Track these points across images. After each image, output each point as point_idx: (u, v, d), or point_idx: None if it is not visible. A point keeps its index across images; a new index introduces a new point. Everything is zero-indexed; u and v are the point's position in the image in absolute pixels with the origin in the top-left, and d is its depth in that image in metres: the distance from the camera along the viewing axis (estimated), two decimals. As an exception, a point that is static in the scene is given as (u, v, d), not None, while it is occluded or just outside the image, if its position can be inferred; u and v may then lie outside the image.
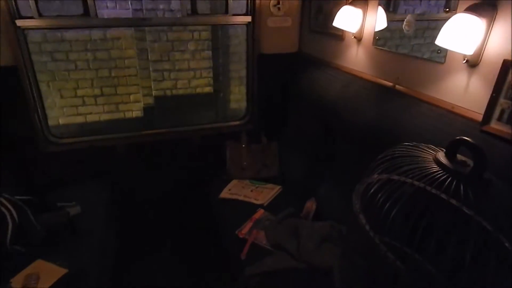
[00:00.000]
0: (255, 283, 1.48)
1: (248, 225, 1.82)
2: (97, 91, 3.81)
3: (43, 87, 3.48)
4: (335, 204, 1.82)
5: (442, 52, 1.33)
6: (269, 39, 2.37)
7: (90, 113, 3.85)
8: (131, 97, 3.92)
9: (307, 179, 2.12)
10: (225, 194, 2.14)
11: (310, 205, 1.91)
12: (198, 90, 3.97)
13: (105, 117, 3.92)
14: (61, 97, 3.70)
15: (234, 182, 2.28)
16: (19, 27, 1.92)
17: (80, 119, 3.84)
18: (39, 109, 2.12)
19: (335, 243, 1.60)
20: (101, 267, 1.66)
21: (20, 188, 1.91)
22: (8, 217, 1.57)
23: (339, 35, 1.96)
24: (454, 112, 1.28)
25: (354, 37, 1.82)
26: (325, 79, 2.04)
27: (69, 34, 3.54)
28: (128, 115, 4.02)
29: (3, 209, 1.58)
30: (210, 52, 3.86)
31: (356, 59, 1.86)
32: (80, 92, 3.76)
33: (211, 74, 3.96)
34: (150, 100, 3.89)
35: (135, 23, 2.52)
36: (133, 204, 2.45)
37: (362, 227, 0.87)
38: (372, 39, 1.72)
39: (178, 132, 2.49)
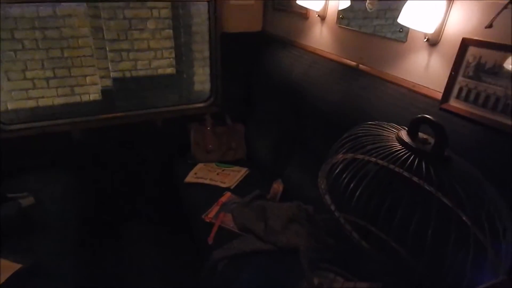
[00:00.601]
0: (222, 266, 1.47)
1: (214, 209, 1.79)
2: (48, 73, 3.53)
3: (-15, 69, 3.17)
4: (302, 184, 1.83)
5: (404, 31, 1.34)
6: (232, 17, 2.29)
7: (42, 97, 3.58)
8: (87, 79, 3.68)
9: (274, 160, 2.12)
10: (190, 178, 2.09)
11: (277, 186, 1.91)
12: (160, 71, 3.80)
13: (59, 101, 3.66)
14: (8, 79, 3.40)
15: (199, 166, 2.23)
16: None
17: (31, 104, 3.56)
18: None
19: (301, 223, 1.61)
20: (60, 259, 1.57)
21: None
22: (-51, 212, 1.44)
23: (303, 14, 1.92)
24: (415, 91, 1.30)
25: (318, 15, 1.79)
26: (290, 59, 2.01)
27: (13, 10, 3.22)
28: (85, 98, 3.79)
29: None
30: (171, 31, 3.69)
31: (320, 38, 1.84)
32: (29, 74, 3.47)
33: (173, 55, 3.79)
34: (108, 82, 3.68)
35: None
36: (94, 192, 2.33)
37: (327, 208, 0.86)
38: (336, 18, 1.70)
39: (138, 116, 2.37)
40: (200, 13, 3.76)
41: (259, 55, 2.33)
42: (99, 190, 2.34)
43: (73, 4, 3.40)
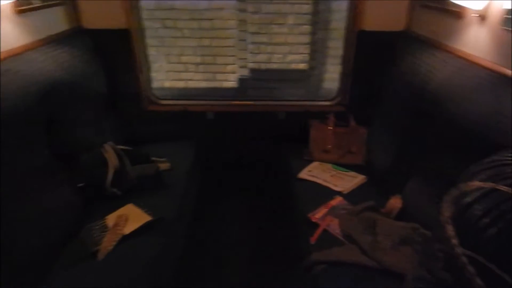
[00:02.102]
0: (320, 269, 1.44)
1: (322, 211, 1.76)
2: (198, 59, 4.01)
3: (152, 51, 3.78)
4: (423, 206, 1.62)
5: None
6: (373, 14, 2.16)
7: (191, 80, 4.09)
8: (228, 67, 4.04)
9: (395, 172, 1.94)
10: (303, 174, 2.10)
11: (395, 202, 1.75)
12: (293, 66, 3.88)
13: (203, 84, 4.13)
14: (168, 62, 4.00)
15: (315, 164, 2.21)
16: (131, -8, 2.10)
17: (181, 84, 4.12)
18: (144, 71, 2.33)
19: (415, 248, 1.44)
20: (179, 218, 1.81)
21: (122, 139, 2.16)
22: (110, 162, 1.79)
23: (457, 12, 1.67)
24: None
25: (478, 15, 1.53)
26: (432, 63, 1.78)
27: (179, 3, 3.75)
28: (224, 84, 4.17)
29: (106, 155, 1.81)
30: (309, 27, 3.71)
31: (475, 41, 1.57)
32: (184, 59, 4.01)
33: (308, 50, 3.82)
34: (245, 72, 3.97)
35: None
36: (214, 168, 2.58)
37: (448, 240, 0.74)
38: (499, 18, 1.42)
39: (264, 105, 2.50)
40: (340, 9, 3.67)
41: (398, 57, 2.14)
42: (220, 166, 2.58)
43: (226, -2, 3.74)
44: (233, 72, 4.07)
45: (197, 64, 4.08)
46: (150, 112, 2.40)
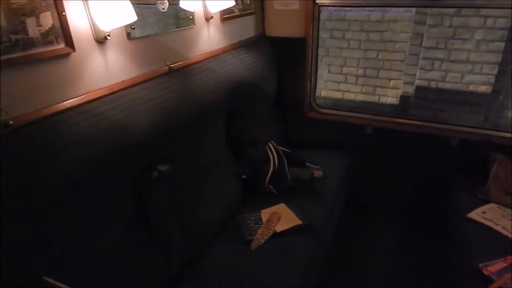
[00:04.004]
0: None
1: (499, 264, 1.46)
2: (360, 71, 3.93)
3: (317, 60, 3.90)
4: None
5: None
6: None
7: (348, 91, 4.05)
8: (391, 82, 3.82)
9: None
10: (475, 215, 1.78)
11: None
12: (471, 87, 3.37)
13: (360, 97, 4.03)
14: (329, 71, 4.06)
15: (491, 205, 1.86)
16: (317, 3, 2.18)
17: (338, 95, 4.12)
18: (312, 78, 2.40)
19: None
20: (326, 226, 1.79)
21: (280, 141, 2.27)
22: (271, 161, 1.91)
23: None
24: None
25: None
26: None
27: (350, 14, 3.75)
28: (383, 100, 3.97)
29: (270, 153, 1.93)
30: (502, 44, 3.15)
31: None
32: (345, 70, 4.00)
33: (494, 71, 3.25)
34: (410, 89, 3.66)
35: (427, 3, 2.34)
36: (366, 185, 2.46)
37: None
38: None
39: (433, 128, 2.23)
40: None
41: None
42: (371, 183, 2.45)
43: (401, 10, 3.54)
44: (396, 88, 3.83)
45: (358, 76, 4.01)
46: (309, 119, 2.45)
